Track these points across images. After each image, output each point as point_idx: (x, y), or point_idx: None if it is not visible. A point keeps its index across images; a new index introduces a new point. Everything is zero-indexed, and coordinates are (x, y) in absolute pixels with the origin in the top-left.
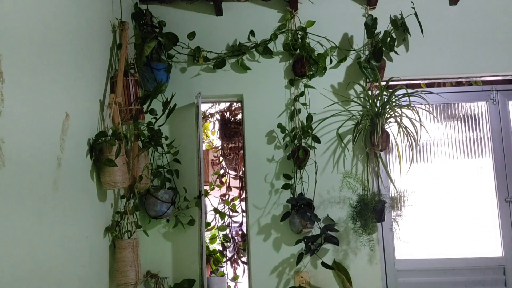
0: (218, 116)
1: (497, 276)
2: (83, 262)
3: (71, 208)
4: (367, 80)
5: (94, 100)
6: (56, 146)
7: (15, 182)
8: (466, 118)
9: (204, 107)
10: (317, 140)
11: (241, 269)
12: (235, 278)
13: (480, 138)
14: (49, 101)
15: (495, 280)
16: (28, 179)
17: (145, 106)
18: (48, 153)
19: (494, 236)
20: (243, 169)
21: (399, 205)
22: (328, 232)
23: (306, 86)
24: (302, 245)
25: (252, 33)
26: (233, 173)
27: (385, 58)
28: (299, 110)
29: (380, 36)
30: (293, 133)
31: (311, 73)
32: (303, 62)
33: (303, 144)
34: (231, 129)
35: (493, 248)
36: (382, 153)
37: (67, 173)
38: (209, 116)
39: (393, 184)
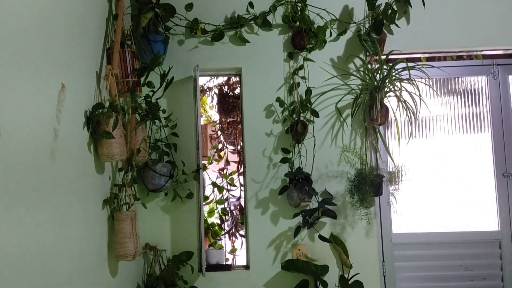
0: (216, 90)
1: (492, 249)
2: (81, 233)
3: (68, 179)
4: (367, 54)
5: (91, 71)
6: (52, 117)
7: (10, 152)
8: (466, 93)
9: (202, 80)
10: (316, 114)
11: (239, 242)
12: (233, 250)
13: (480, 114)
14: (44, 71)
15: (491, 253)
16: (24, 149)
17: (142, 79)
18: (44, 124)
19: (491, 211)
20: (241, 143)
21: (397, 180)
22: (326, 205)
23: (305, 59)
24: (299, 219)
25: (250, 4)
26: (231, 147)
27: (385, 31)
28: (298, 84)
29: (381, 8)
30: (291, 107)
31: (311, 46)
32: (303, 35)
33: (301, 118)
34: (229, 103)
35: (489, 222)
36: (381, 128)
37: (64, 144)
38: (207, 90)
39: (391, 159)
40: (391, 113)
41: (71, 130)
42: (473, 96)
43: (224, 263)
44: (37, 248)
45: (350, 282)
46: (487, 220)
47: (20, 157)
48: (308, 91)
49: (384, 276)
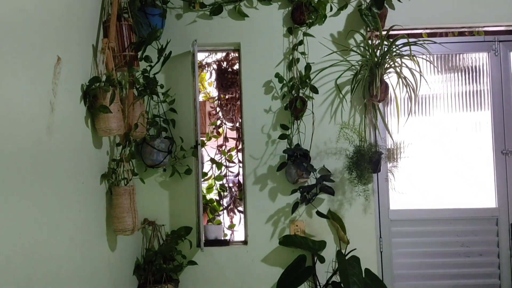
0: (214, 66)
1: (490, 226)
2: (79, 207)
3: (66, 153)
4: (368, 29)
5: (87, 44)
6: (48, 91)
7: (5, 124)
8: (466, 70)
9: (200, 56)
10: (315, 90)
11: (238, 218)
12: (231, 226)
13: (480, 91)
14: (39, 43)
15: (488, 230)
16: (20, 121)
17: (139, 53)
18: (40, 96)
19: (488, 188)
20: (240, 120)
21: (395, 157)
22: (324, 182)
23: (305, 34)
24: (297, 195)
25: None
26: (230, 124)
27: (387, 6)
28: (298, 60)
29: None
30: (291, 83)
31: (311, 21)
32: (303, 9)
33: (301, 94)
34: (228, 79)
35: (487, 199)
36: (380, 105)
37: (61, 118)
38: (206, 66)
39: (390, 136)
40: (391, 90)
41: (67, 104)
42: (474, 73)
43: (223, 239)
44: (34, 221)
45: (347, 257)
46: (484, 197)
47: (17, 130)
48: (308, 67)
49: (381, 252)
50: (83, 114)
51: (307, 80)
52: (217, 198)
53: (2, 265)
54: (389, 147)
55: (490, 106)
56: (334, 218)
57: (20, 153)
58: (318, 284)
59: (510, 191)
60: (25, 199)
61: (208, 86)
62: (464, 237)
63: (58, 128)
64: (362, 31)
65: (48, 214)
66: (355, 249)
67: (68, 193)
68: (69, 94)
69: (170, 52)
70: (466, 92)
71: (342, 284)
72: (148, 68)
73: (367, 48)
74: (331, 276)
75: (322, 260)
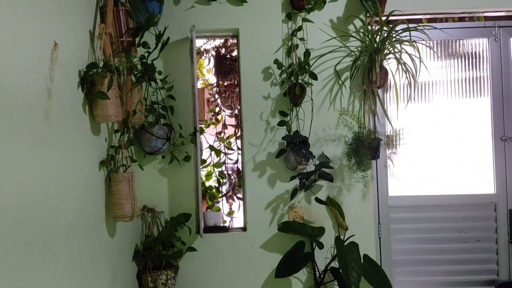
0: (213, 53)
1: (488, 212)
2: (78, 194)
3: (64, 140)
4: (367, 15)
5: (84, 30)
6: (45, 76)
7: (3, 111)
8: (466, 56)
9: (199, 43)
10: (314, 76)
11: (237, 204)
12: (230, 213)
13: (480, 77)
14: (35, 29)
15: (486, 216)
16: (18, 108)
17: (137, 39)
18: (37, 83)
19: (487, 174)
20: (239, 107)
21: (394, 143)
22: (323, 169)
23: (304, 20)
24: (296, 182)
25: None
26: (228, 111)
27: None
28: (297, 46)
29: None
30: (290, 69)
31: (310, 6)
32: None
33: (300, 81)
34: (227, 65)
35: (486, 185)
36: (380, 91)
37: (59, 104)
38: (204, 52)
39: (390, 122)
40: (390, 76)
41: (65, 90)
42: (474, 59)
43: (222, 225)
44: (34, 208)
45: (345, 243)
46: (483, 183)
47: (14, 117)
48: (307, 53)
49: (380, 238)
50: (81, 100)
51: (306, 67)
52: (216, 185)
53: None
54: (388, 133)
55: (490, 92)
56: (332, 205)
57: (18, 139)
58: (316, 269)
59: (509, 177)
60: (23, 184)
61: (207, 73)
62: (462, 223)
63: (56, 114)
64: (361, 16)
65: (47, 200)
66: (354, 235)
67: (67, 180)
68: (67, 80)
69: (168, 38)
70: (465, 78)
71: (340, 270)
72: (146, 54)
73: (366, 33)
74: (330, 262)
75: (320, 246)
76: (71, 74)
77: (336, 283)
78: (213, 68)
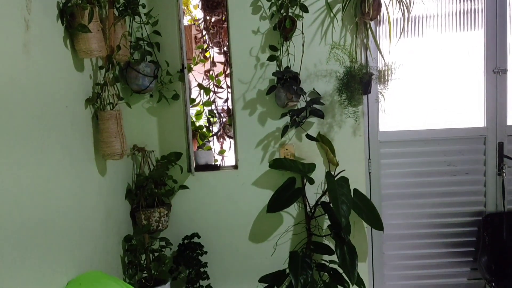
0: None
1: (477, 145)
2: (65, 131)
3: (46, 74)
4: None
5: None
6: (22, 6)
7: None
8: None
9: None
10: (305, 9)
11: (228, 143)
12: (221, 152)
13: (474, 10)
14: None
15: (475, 149)
16: None
17: None
18: (13, 13)
19: (478, 108)
20: (227, 43)
21: (386, 78)
22: (314, 105)
23: None
24: (287, 119)
25: None
26: (216, 49)
27: None
28: None
29: None
30: (279, 1)
31: None
32: None
33: (290, 13)
34: None
35: (476, 119)
36: (372, 24)
37: (38, 38)
38: None
39: (382, 56)
40: (383, 8)
41: (44, 22)
42: None
43: (213, 164)
44: (21, 142)
45: (336, 178)
46: (474, 117)
47: None
48: None
49: (370, 173)
50: (61, 34)
51: None
52: (207, 124)
53: None
54: (380, 68)
55: (484, 24)
56: (323, 141)
57: None
58: (307, 204)
59: (500, 110)
60: (5, 123)
61: (193, 9)
62: (451, 157)
63: (35, 47)
64: None
65: (33, 137)
66: (344, 170)
67: (52, 117)
68: (45, 11)
69: None
70: (460, 10)
71: (331, 204)
72: None
73: None
74: (321, 197)
75: (311, 181)
76: (50, 5)
77: (326, 216)
78: (200, 2)
